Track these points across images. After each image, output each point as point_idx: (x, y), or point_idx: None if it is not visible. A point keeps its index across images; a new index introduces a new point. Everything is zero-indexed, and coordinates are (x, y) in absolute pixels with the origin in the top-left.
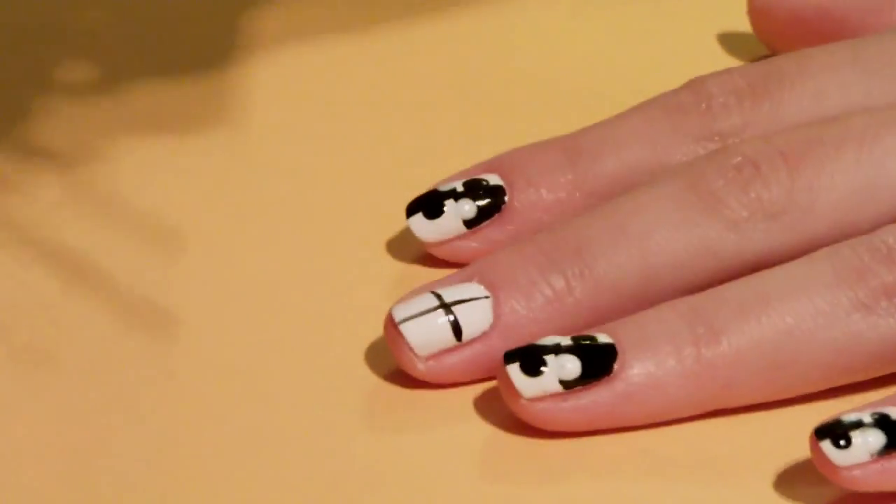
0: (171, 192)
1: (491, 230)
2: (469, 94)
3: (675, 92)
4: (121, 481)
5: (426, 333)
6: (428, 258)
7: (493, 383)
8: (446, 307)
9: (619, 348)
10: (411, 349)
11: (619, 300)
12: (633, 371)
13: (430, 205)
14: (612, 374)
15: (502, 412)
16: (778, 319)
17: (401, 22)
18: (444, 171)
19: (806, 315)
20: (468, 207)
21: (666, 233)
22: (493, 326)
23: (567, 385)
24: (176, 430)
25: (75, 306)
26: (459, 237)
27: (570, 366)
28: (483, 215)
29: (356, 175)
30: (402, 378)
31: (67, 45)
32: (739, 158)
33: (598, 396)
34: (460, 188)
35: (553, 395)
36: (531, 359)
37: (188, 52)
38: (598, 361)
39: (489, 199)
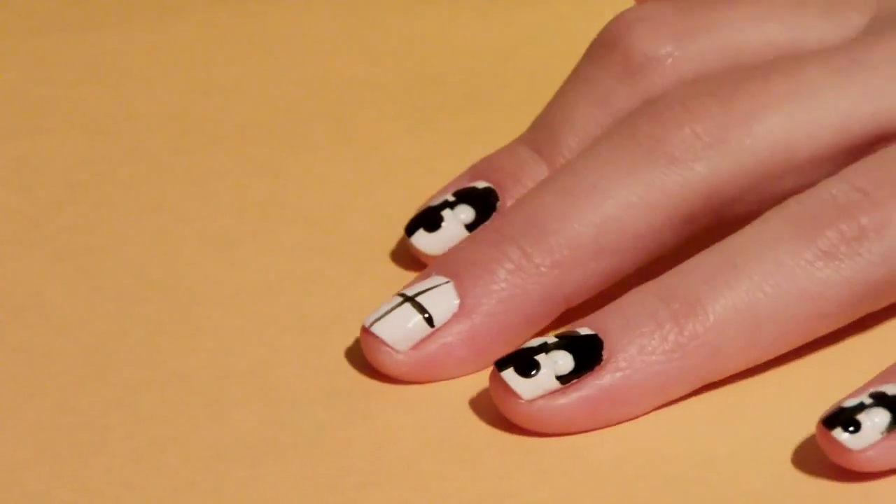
0: (170, 192)
1: None
2: (468, 95)
3: (598, 36)
4: (120, 481)
5: (398, 327)
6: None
7: (487, 383)
8: (411, 300)
9: (603, 337)
10: (388, 345)
11: (579, 255)
12: (623, 355)
13: (428, 219)
14: (602, 363)
15: (497, 412)
16: (748, 280)
17: (400, 22)
18: (443, 172)
19: (773, 271)
20: (466, 214)
21: (609, 182)
22: (461, 306)
23: (563, 380)
24: (175, 430)
25: (75, 306)
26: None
27: (563, 361)
28: (481, 217)
29: (355, 176)
30: (395, 378)
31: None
32: (668, 102)
33: (595, 384)
34: (452, 198)
35: (551, 393)
36: (523, 360)
37: (186, 53)
38: (586, 352)
39: (484, 200)
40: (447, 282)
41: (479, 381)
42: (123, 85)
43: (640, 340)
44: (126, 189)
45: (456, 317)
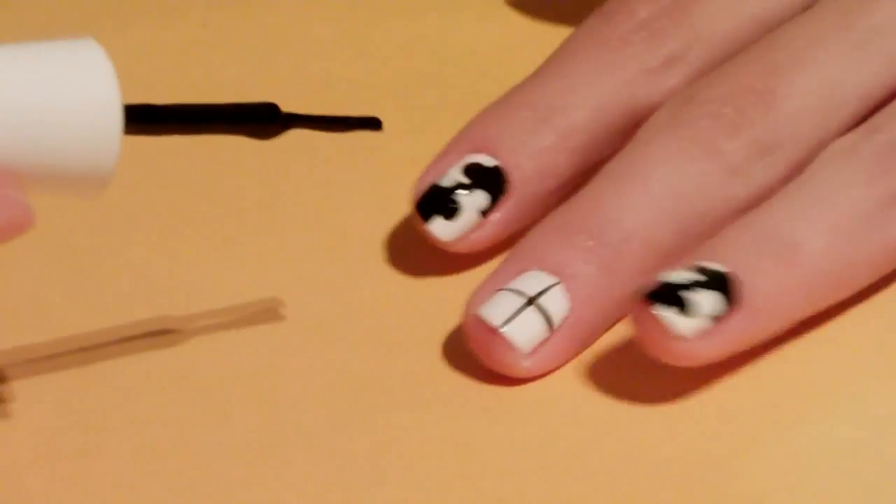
0: (170, 192)
1: (499, 213)
2: (468, 95)
3: (606, 21)
4: (120, 481)
5: (526, 331)
6: (431, 253)
7: (489, 381)
8: (532, 302)
9: (733, 274)
10: (516, 350)
11: (658, 263)
12: (754, 295)
13: (443, 205)
14: (739, 303)
15: (499, 410)
16: (842, 225)
17: (400, 23)
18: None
19: (862, 215)
20: (481, 199)
21: (691, 190)
22: (572, 311)
23: (715, 318)
24: (175, 430)
25: (75, 306)
26: (475, 229)
27: (712, 299)
28: (494, 202)
29: (355, 176)
30: (400, 377)
31: None
32: (714, 106)
33: (736, 325)
34: (464, 178)
35: (702, 333)
36: (676, 298)
37: (186, 53)
38: (728, 289)
39: (496, 183)
40: (558, 282)
41: (477, 378)
42: (123, 85)
43: (766, 273)
44: (126, 189)
45: (566, 324)
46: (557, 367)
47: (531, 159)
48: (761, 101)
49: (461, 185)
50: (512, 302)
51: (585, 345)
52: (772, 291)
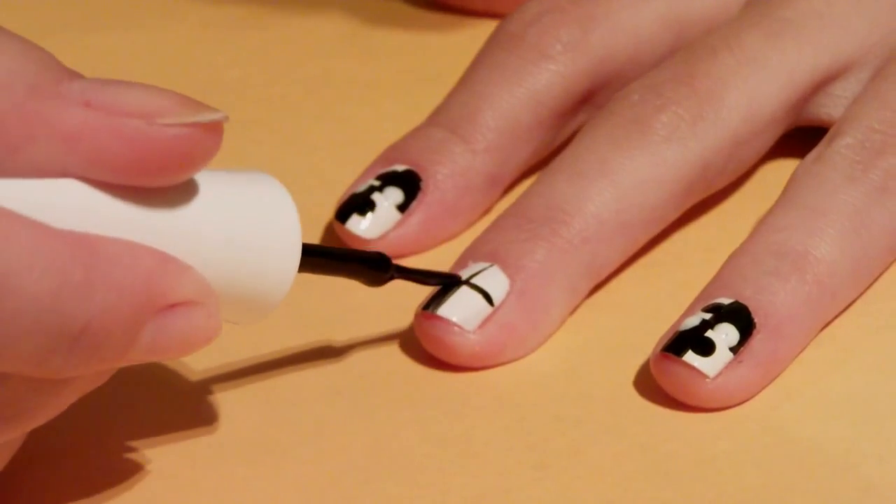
0: None
1: (419, 212)
2: None
3: (501, 29)
4: (120, 481)
5: (465, 308)
6: (430, 253)
7: (488, 379)
8: (467, 283)
9: (746, 303)
10: (458, 326)
11: (605, 231)
12: (772, 312)
13: (359, 204)
14: (758, 327)
15: (498, 408)
16: (839, 224)
17: (400, 22)
18: None
19: (854, 212)
20: (394, 196)
21: (620, 160)
22: (512, 285)
23: (734, 350)
24: (175, 429)
25: None
26: (396, 227)
27: (730, 333)
28: (408, 199)
29: (354, 176)
30: (399, 375)
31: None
32: (640, 93)
33: (764, 348)
34: (377, 182)
35: (728, 366)
36: (700, 341)
37: (186, 53)
38: (742, 319)
39: (408, 181)
40: (492, 265)
41: (477, 376)
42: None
43: (775, 296)
44: None
45: (510, 296)
46: (511, 345)
47: (443, 163)
48: (681, 84)
49: (374, 188)
50: (445, 290)
51: (535, 322)
52: (787, 304)
